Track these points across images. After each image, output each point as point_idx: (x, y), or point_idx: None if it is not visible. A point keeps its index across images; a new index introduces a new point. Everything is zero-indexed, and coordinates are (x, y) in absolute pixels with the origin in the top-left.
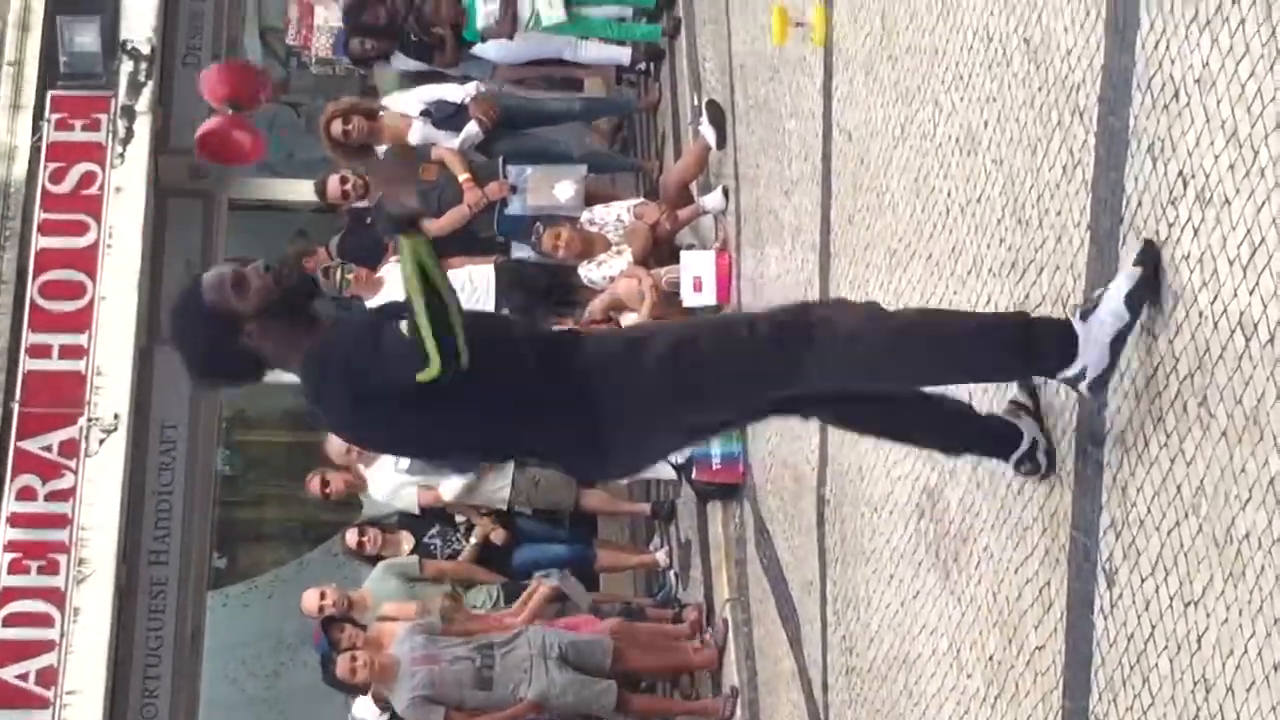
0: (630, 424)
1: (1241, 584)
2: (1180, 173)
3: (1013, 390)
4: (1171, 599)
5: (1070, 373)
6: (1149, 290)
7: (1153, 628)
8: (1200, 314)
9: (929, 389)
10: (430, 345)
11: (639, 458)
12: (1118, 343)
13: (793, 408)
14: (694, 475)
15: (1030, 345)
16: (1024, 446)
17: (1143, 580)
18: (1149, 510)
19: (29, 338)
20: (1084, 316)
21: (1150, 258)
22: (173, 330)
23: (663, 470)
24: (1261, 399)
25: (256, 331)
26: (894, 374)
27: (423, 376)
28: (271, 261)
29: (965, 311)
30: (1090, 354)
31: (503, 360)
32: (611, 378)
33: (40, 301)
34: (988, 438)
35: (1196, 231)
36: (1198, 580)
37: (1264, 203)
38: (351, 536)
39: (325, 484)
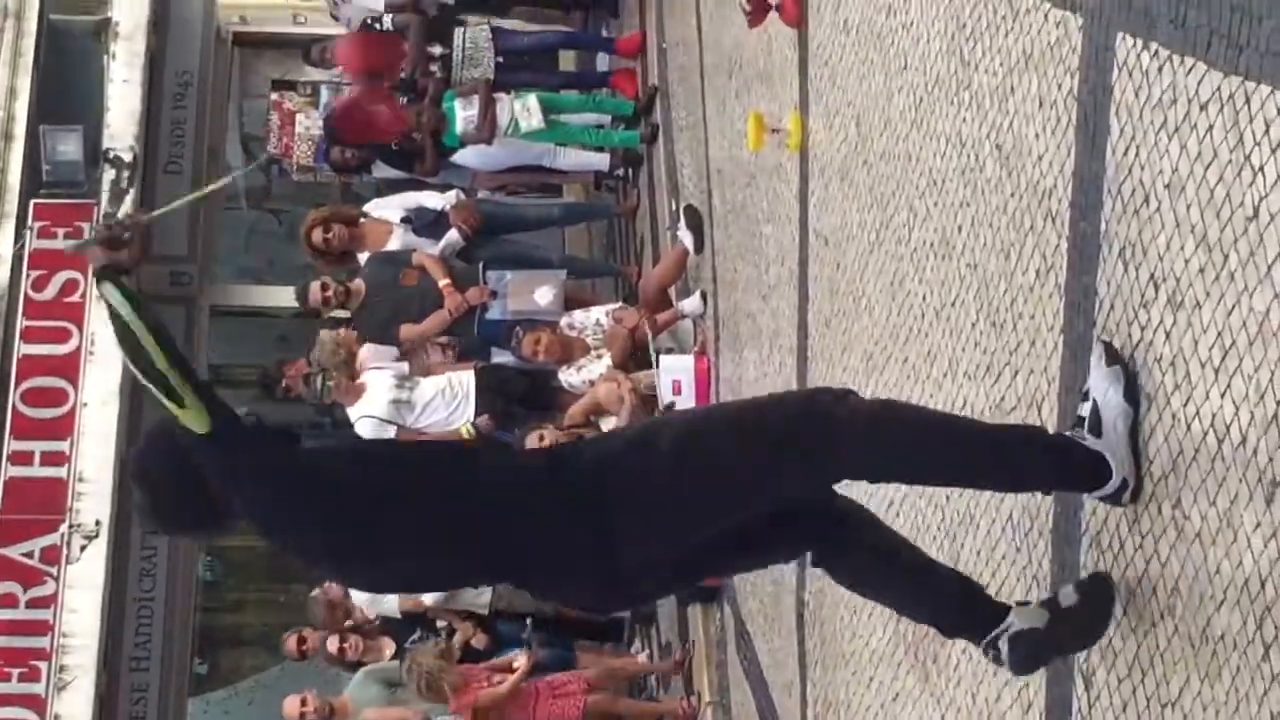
0: (642, 523)
1: (1218, 684)
2: (1151, 276)
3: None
4: (1149, 700)
5: (1110, 489)
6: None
7: None
8: (1173, 416)
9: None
10: (179, 383)
11: (649, 574)
12: (1133, 439)
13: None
14: None
15: (1066, 454)
16: (996, 631)
17: (1120, 682)
18: (1124, 611)
19: (10, 444)
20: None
21: (1117, 354)
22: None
23: None
24: (1235, 500)
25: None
26: (923, 462)
27: (187, 420)
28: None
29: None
30: (1124, 466)
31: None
32: (621, 471)
33: (22, 408)
34: (975, 624)
35: (1169, 334)
36: (1174, 681)
37: (1234, 306)
38: (333, 643)
39: (302, 642)
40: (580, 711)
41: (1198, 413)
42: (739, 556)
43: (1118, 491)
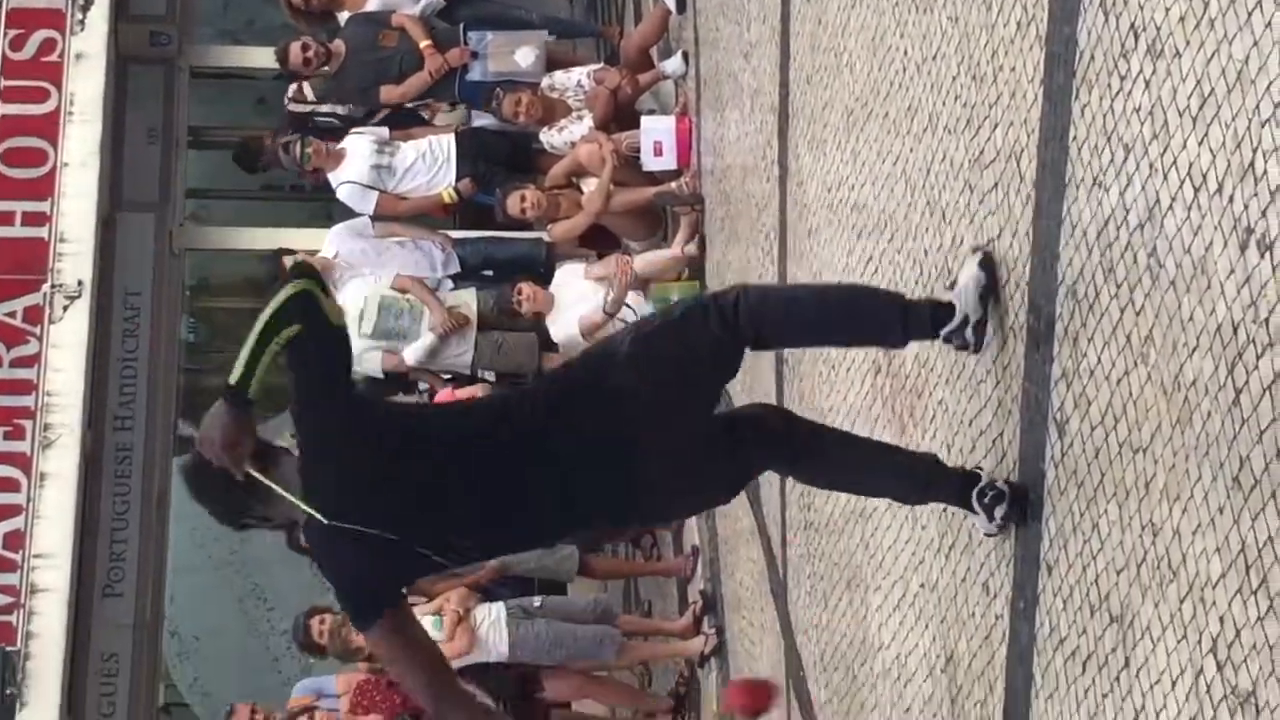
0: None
1: (1189, 430)
2: (1132, 25)
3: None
4: (1121, 446)
5: (953, 324)
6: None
7: (1102, 475)
8: (1151, 166)
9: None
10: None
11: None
12: (985, 298)
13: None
14: None
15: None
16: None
17: (1093, 429)
18: (1099, 360)
19: None
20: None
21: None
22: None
23: None
24: (1209, 248)
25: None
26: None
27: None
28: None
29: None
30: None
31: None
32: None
33: (2, 169)
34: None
35: (1148, 84)
36: (1146, 427)
37: (1214, 54)
38: None
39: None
40: None
41: (1175, 161)
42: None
43: (960, 326)
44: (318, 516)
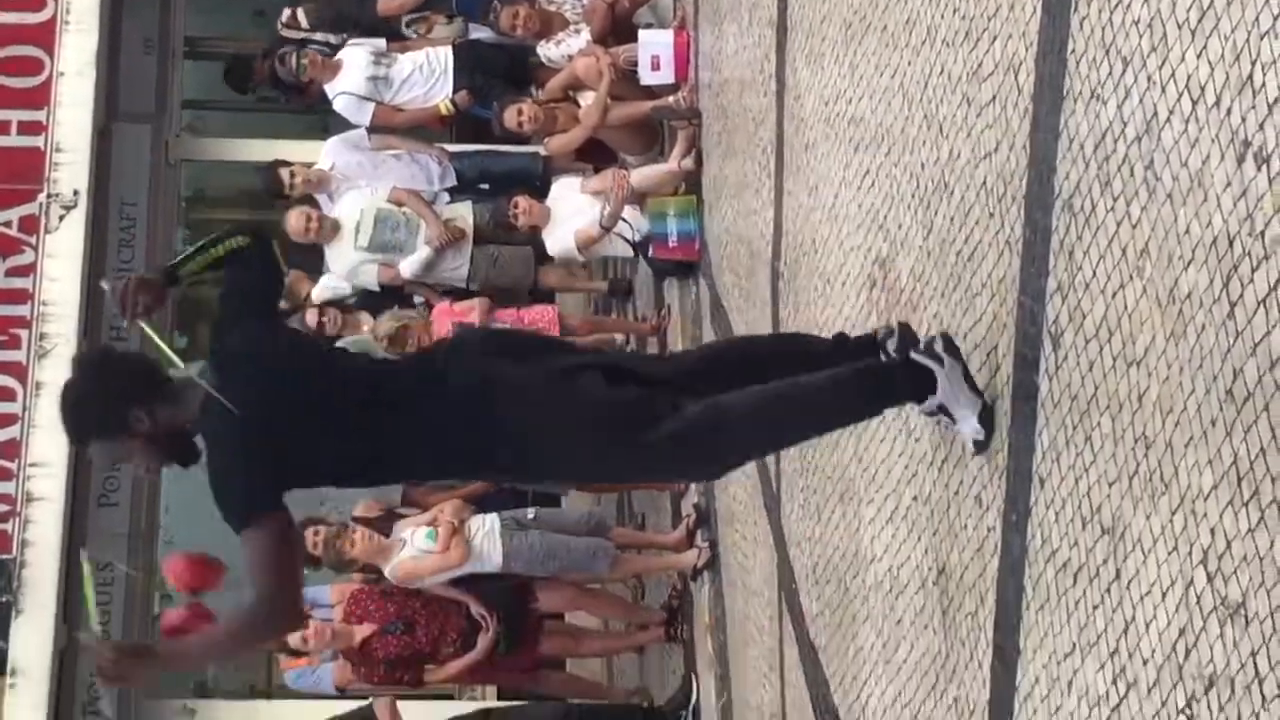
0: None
1: (1183, 343)
2: None
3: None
4: (1115, 360)
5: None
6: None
7: (1096, 388)
8: (1149, 78)
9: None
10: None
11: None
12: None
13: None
14: (651, 253)
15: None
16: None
17: (1087, 342)
18: (1094, 273)
19: None
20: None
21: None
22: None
23: (620, 248)
24: (1206, 161)
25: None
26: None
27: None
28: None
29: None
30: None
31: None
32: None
33: None
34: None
35: None
36: (1141, 340)
37: None
38: (311, 316)
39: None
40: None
41: (1173, 74)
42: None
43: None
44: (223, 401)
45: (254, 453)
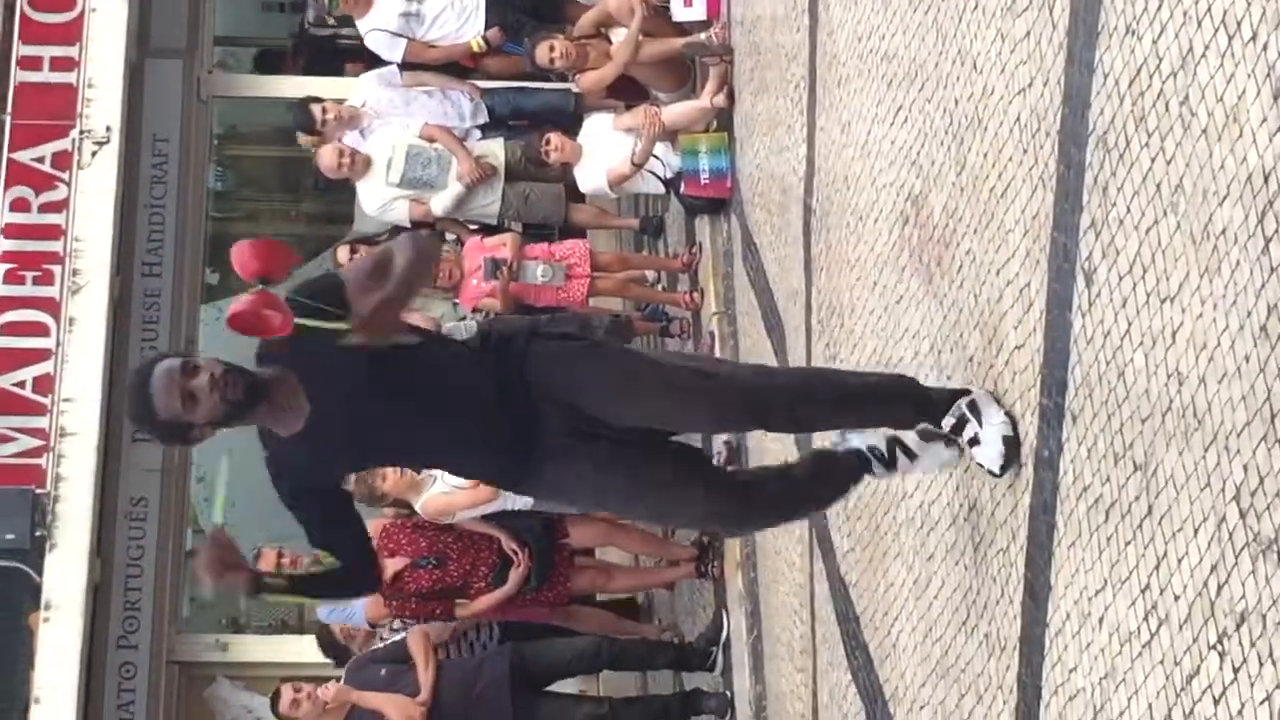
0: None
1: (1217, 279)
2: None
3: None
4: (1148, 295)
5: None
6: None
7: (1129, 324)
8: (1185, 13)
9: None
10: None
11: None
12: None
13: None
14: (682, 190)
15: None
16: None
17: (1120, 278)
18: (1128, 209)
19: (19, 49)
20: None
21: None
22: (129, 411)
23: (652, 185)
24: (1242, 96)
25: (206, 432)
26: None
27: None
28: (226, 363)
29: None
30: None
31: None
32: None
33: (30, 13)
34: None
35: None
36: (1174, 276)
37: None
38: (343, 252)
39: (354, 251)
40: (585, 294)
41: (1209, 9)
42: None
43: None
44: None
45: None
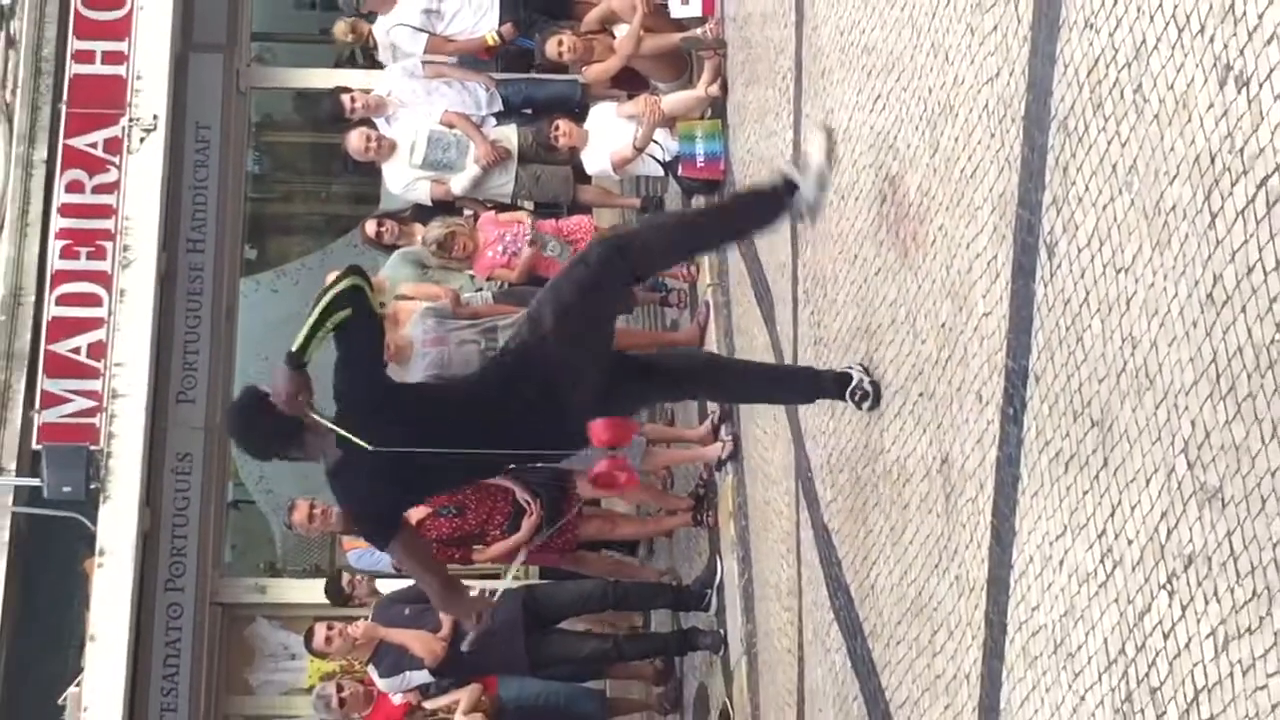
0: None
1: (1167, 251)
2: None
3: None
4: (1105, 267)
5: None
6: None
7: (1087, 293)
8: (1138, 8)
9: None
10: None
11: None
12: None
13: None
14: (680, 172)
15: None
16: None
17: (1079, 251)
18: (1087, 188)
19: (74, 44)
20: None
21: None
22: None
23: (652, 167)
24: (1191, 84)
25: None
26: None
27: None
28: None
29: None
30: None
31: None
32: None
33: (84, 11)
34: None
35: None
36: (1128, 249)
37: None
38: (370, 227)
39: (381, 225)
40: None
41: (1161, 4)
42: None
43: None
44: (360, 444)
45: (363, 490)
